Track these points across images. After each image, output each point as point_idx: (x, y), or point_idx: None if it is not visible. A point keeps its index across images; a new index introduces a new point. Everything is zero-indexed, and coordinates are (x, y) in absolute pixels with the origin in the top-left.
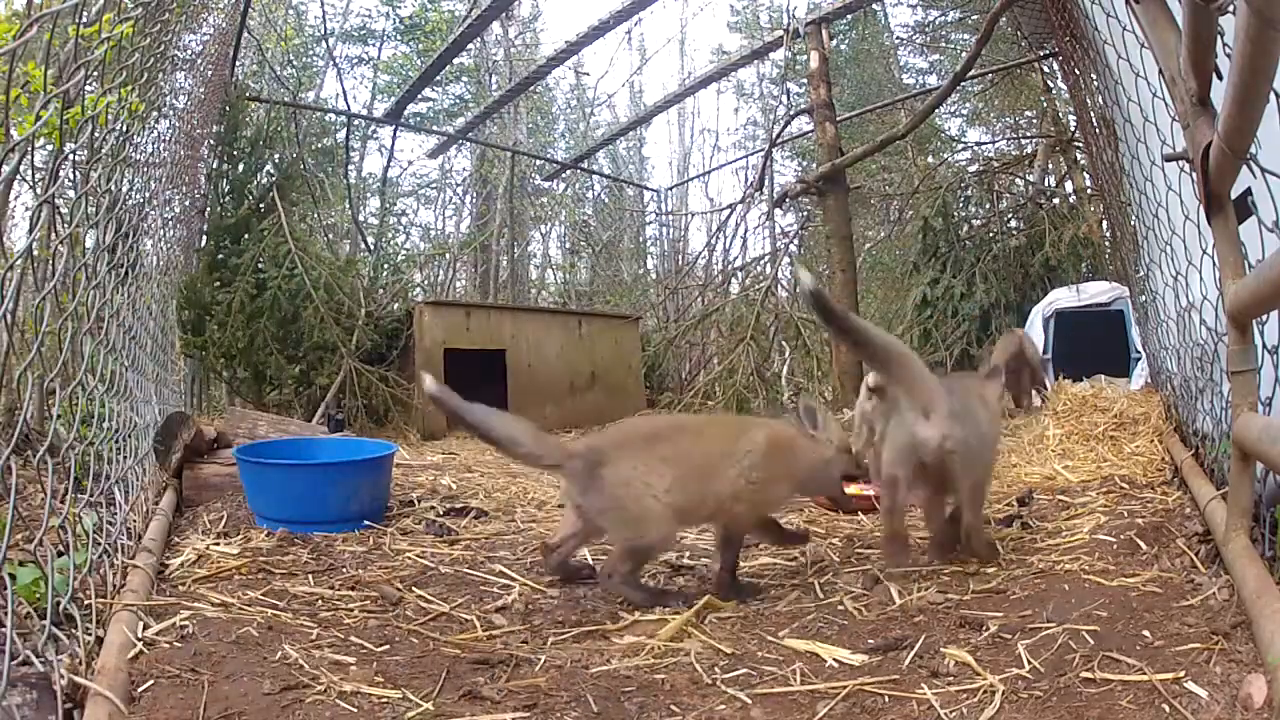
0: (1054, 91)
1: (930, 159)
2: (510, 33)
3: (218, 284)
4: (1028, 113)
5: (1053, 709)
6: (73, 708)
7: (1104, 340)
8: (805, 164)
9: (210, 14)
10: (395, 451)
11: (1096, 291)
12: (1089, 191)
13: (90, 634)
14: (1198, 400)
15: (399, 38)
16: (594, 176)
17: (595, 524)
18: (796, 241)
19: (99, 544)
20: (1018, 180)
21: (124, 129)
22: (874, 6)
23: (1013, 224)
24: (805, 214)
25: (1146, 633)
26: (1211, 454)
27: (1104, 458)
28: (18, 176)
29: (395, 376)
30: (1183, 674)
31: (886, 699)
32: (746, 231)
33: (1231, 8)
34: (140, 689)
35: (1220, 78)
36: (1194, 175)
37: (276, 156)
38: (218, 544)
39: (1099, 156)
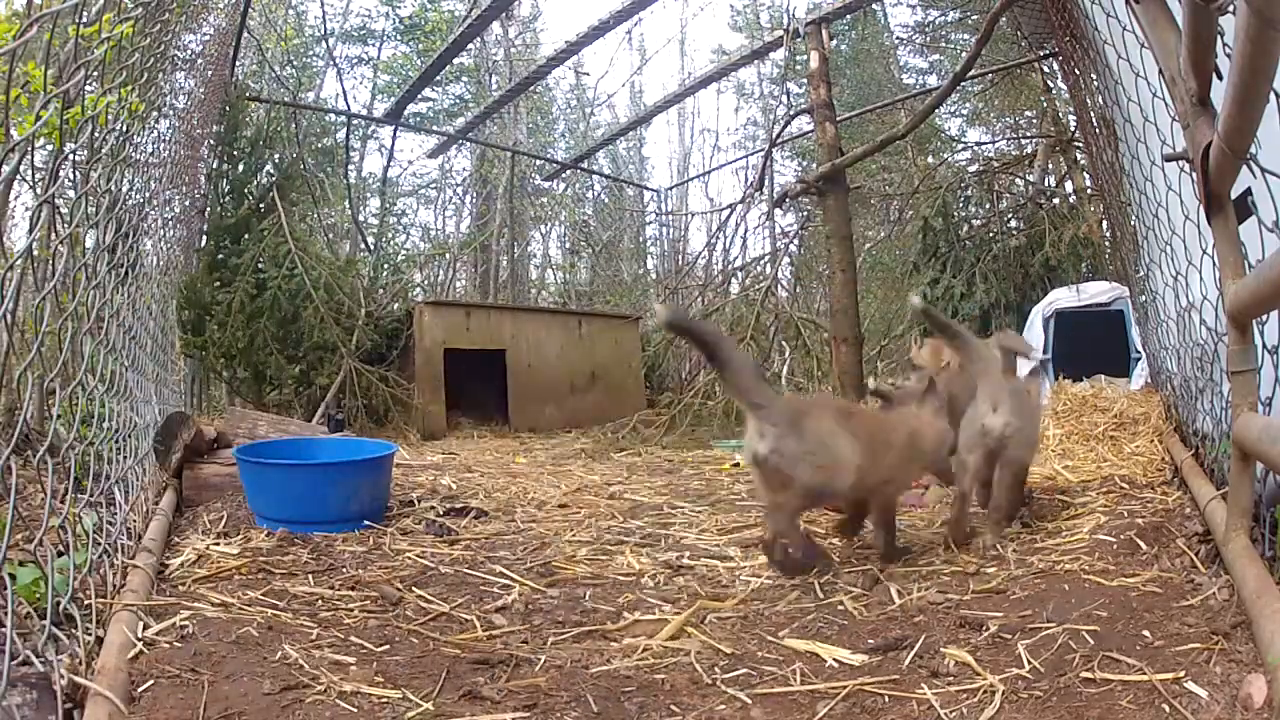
0: (1054, 91)
1: (930, 159)
2: (510, 33)
3: (218, 284)
4: (1028, 113)
5: (1053, 709)
6: (73, 708)
7: (1104, 340)
8: (805, 164)
9: (210, 14)
10: (395, 451)
11: (1096, 291)
12: (1089, 191)
13: (90, 634)
14: (1198, 400)
15: (399, 38)
16: (594, 176)
17: (782, 472)
18: (796, 241)
19: (99, 544)
20: (1018, 180)
21: (124, 129)
22: (874, 6)
23: (1013, 224)
24: (805, 214)
25: (1146, 633)
26: (1211, 454)
27: (1104, 458)
28: (18, 176)
29: (395, 376)
30: (1183, 674)
31: (886, 699)
32: (746, 231)
33: (1231, 8)
34: (140, 689)
35: (1220, 78)
36: (1194, 175)
37: (276, 156)
38: (218, 544)
39: (1099, 156)
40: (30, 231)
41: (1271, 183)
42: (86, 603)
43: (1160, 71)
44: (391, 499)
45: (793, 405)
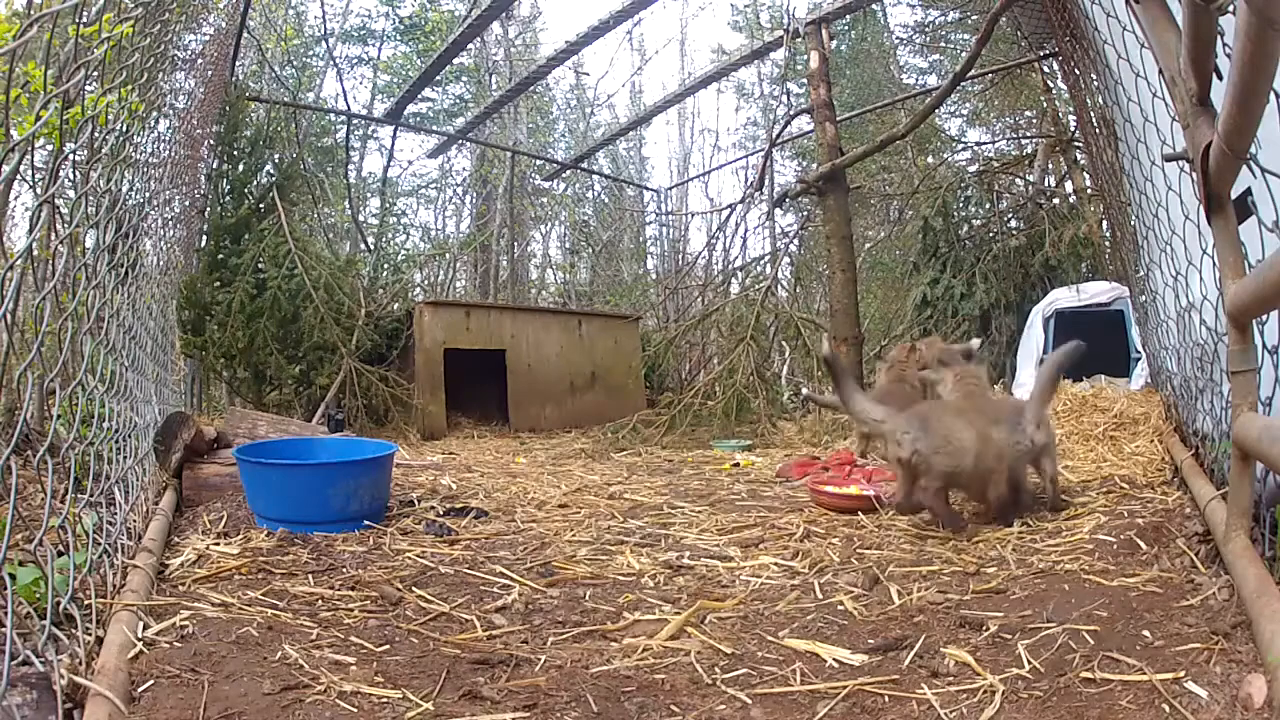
0: (1054, 91)
1: (930, 159)
2: (510, 33)
3: (218, 284)
4: (1028, 113)
5: (1053, 709)
6: (73, 708)
7: (1104, 340)
8: (805, 164)
9: (210, 14)
10: (395, 451)
11: (1096, 291)
12: (1089, 191)
13: (90, 634)
14: (1198, 400)
15: (399, 38)
16: (594, 176)
17: (923, 463)
18: (796, 241)
19: (99, 544)
20: (1018, 180)
21: (124, 129)
22: (874, 6)
23: (1013, 224)
24: (805, 214)
25: (1146, 633)
26: (1211, 454)
27: (1104, 458)
28: (18, 176)
29: (395, 376)
30: (1183, 674)
31: (886, 699)
32: (746, 231)
33: (1231, 8)
34: (140, 689)
35: (1220, 78)
36: (1194, 175)
37: (276, 156)
38: (218, 544)
39: (1099, 156)
40: (30, 231)
41: (1271, 183)
42: (86, 603)
43: (1160, 71)
44: (391, 499)
45: (918, 412)
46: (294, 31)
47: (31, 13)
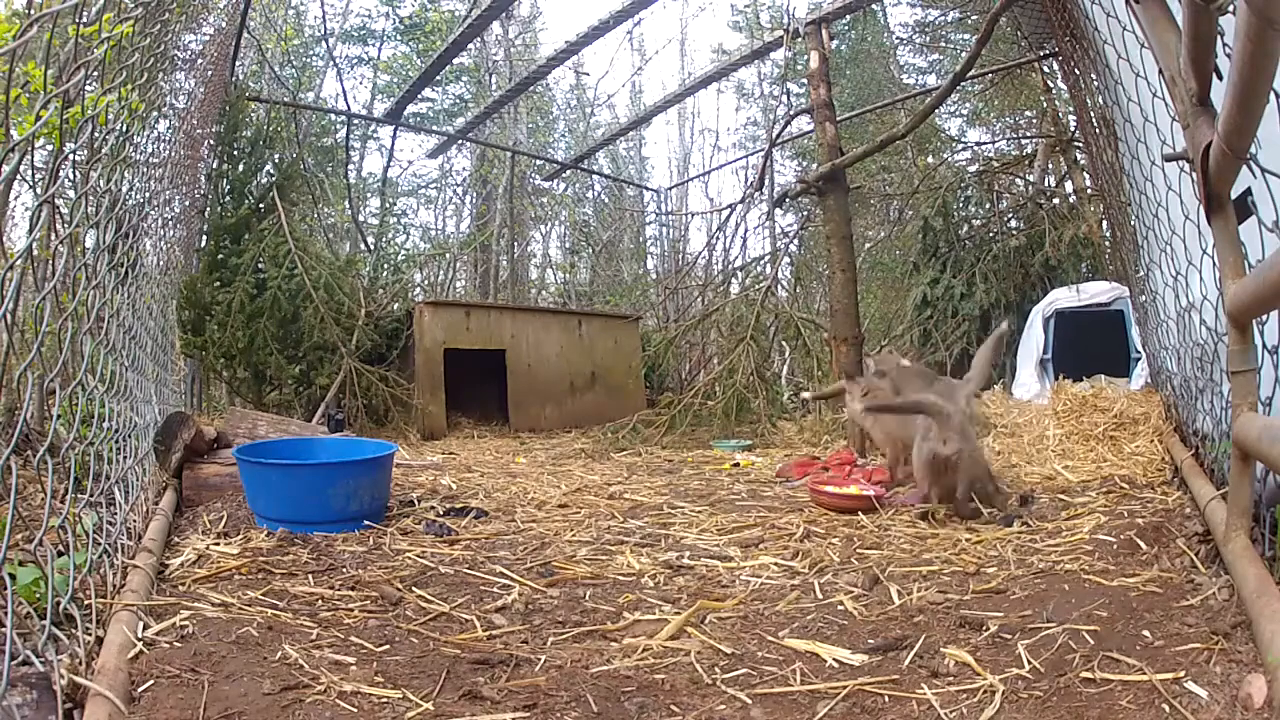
0: (1054, 91)
1: (930, 159)
2: (510, 33)
3: (218, 284)
4: (1028, 113)
5: (1053, 709)
6: (73, 708)
7: (1104, 340)
8: (805, 164)
9: (210, 14)
10: (395, 451)
11: (1096, 291)
12: (1089, 191)
13: (90, 634)
14: (1198, 400)
15: (399, 38)
16: (594, 176)
17: (961, 461)
18: (796, 241)
19: (99, 544)
20: (1018, 180)
21: (124, 129)
22: (874, 6)
23: (1013, 224)
24: (805, 214)
25: (1146, 633)
26: (1211, 454)
27: (1104, 458)
28: (18, 176)
29: (395, 376)
30: (1183, 674)
31: (886, 699)
32: (746, 231)
33: (1231, 8)
34: (140, 689)
35: (1220, 78)
36: (1194, 175)
37: (276, 156)
38: (218, 544)
39: (1099, 156)
40: (30, 231)
41: (1271, 183)
42: (86, 603)
43: (1160, 71)
44: (391, 499)
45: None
46: (294, 31)
47: (31, 13)
